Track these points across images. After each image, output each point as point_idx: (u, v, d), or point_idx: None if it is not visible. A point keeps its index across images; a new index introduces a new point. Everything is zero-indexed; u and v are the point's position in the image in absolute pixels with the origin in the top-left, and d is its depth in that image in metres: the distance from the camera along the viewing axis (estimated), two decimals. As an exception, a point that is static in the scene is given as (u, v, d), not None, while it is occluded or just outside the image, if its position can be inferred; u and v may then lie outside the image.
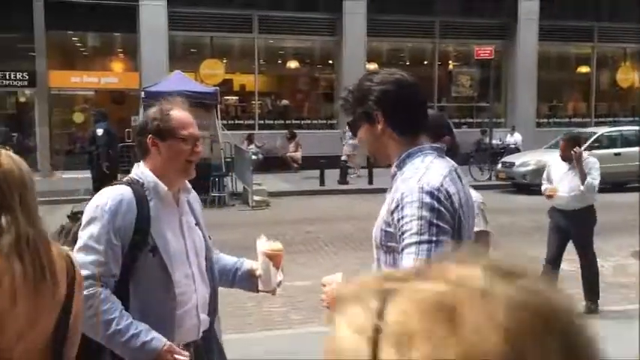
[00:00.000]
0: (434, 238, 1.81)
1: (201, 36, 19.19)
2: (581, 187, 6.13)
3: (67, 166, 17.79)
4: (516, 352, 0.49)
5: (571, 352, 0.52)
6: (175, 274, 2.26)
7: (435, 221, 1.81)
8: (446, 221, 1.83)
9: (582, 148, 6.25)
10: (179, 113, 2.32)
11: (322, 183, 15.42)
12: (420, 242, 1.81)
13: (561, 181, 6.40)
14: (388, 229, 1.94)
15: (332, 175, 15.59)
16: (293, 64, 20.52)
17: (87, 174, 11.56)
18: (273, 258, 2.45)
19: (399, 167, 2.01)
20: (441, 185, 1.87)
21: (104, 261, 2.15)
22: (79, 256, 2.04)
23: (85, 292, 1.90)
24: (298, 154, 18.10)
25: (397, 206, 1.87)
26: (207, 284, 2.42)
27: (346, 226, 10.60)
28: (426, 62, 21.43)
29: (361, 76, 2.12)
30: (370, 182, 15.60)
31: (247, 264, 2.60)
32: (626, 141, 15.45)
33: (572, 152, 6.16)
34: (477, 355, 0.49)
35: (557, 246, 6.39)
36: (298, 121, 19.91)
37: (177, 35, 18.62)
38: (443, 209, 1.83)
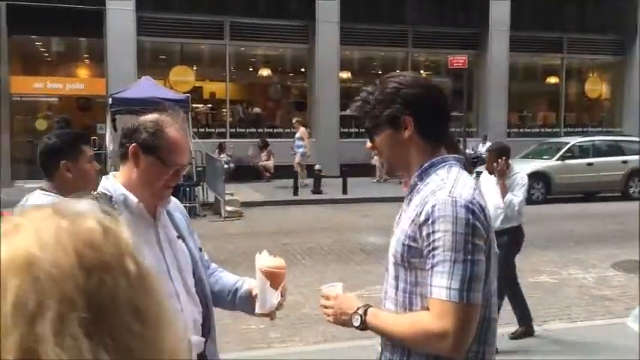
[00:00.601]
0: (469, 257, 1.67)
1: (170, 42, 18.80)
2: (501, 205, 5.48)
3: (29, 175, 17.15)
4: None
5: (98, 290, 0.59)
6: None
7: (470, 238, 1.67)
8: (481, 237, 1.70)
9: (508, 160, 5.57)
10: (175, 134, 2.07)
11: (296, 193, 15.15)
12: (454, 261, 1.66)
13: (486, 197, 5.88)
14: (412, 244, 1.76)
15: (305, 184, 15.35)
16: (265, 72, 20.25)
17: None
18: (272, 276, 2.16)
19: (421, 178, 1.85)
20: (474, 198, 1.74)
21: None
22: None
23: None
24: (270, 163, 17.80)
25: (427, 220, 1.71)
26: (197, 302, 2.16)
27: (323, 237, 10.33)
28: (398, 71, 21.27)
29: (381, 79, 1.93)
30: (344, 192, 15.39)
31: (247, 284, 2.31)
32: (598, 151, 15.61)
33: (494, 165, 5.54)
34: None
35: (501, 268, 5.94)
36: (270, 130, 19.63)
37: (146, 41, 18.19)
38: (478, 224, 1.70)
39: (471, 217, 1.68)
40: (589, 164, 14.97)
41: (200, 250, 2.30)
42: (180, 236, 2.21)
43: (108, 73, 17.33)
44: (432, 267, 1.69)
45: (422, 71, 21.21)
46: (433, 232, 1.69)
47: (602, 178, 14.90)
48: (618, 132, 21.12)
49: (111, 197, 2.04)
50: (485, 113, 20.94)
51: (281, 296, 2.17)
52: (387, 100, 1.83)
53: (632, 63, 22.16)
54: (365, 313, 1.83)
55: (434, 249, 1.68)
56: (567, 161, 15.03)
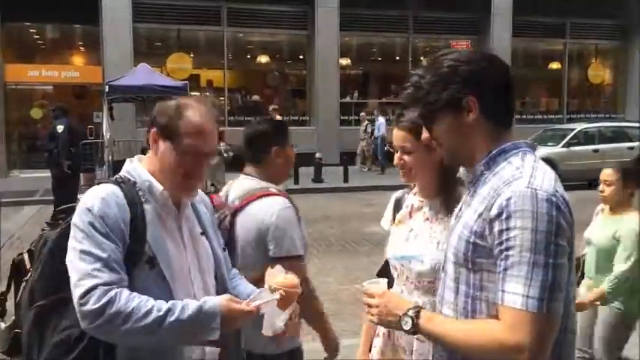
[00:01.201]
0: (551, 261, 1.43)
1: (167, 28, 18.44)
2: None
3: (25, 164, 17.01)
4: None
5: None
6: (176, 292, 1.81)
7: (553, 238, 1.44)
8: (565, 237, 1.47)
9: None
10: (197, 119, 1.85)
11: (296, 181, 14.89)
12: (533, 264, 1.43)
13: None
14: (479, 242, 1.52)
15: (306, 173, 15.10)
16: (263, 59, 19.91)
17: (46, 173, 10.80)
18: (282, 296, 1.91)
19: (488, 166, 1.60)
20: (556, 191, 1.49)
21: (111, 266, 1.71)
22: (77, 266, 1.70)
23: (98, 305, 1.64)
24: (270, 152, 17.49)
25: (499, 214, 1.47)
26: None
27: (327, 227, 10.10)
28: (399, 57, 21.12)
29: (430, 58, 1.69)
30: (345, 180, 15.16)
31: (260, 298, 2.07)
32: (603, 137, 15.36)
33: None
34: None
35: None
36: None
37: (142, 27, 17.83)
38: (562, 221, 1.46)
39: (554, 212, 1.45)
40: (595, 151, 14.71)
41: (224, 250, 2.08)
42: (204, 233, 2.01)
43: (104, 61, 17.00)
44: (505, 269, 1.45)
45: (422, 57, 20.93)
46: (507, 228, 1.45)
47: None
48: (620, 118, 20.88)
49: (134, 183, 1.85)
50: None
51: (289, 319, 1.92)
52: (443, 81, 1.59)
53: (635, 49, 21.89)
54: (417, 315, 1.59)
55: (508, 249, 1.45)
56: (573, 148, 14.78)
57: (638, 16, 21.18)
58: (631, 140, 15.31)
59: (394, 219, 2.46)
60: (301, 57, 20.09)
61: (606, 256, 3.81)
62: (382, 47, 21.28)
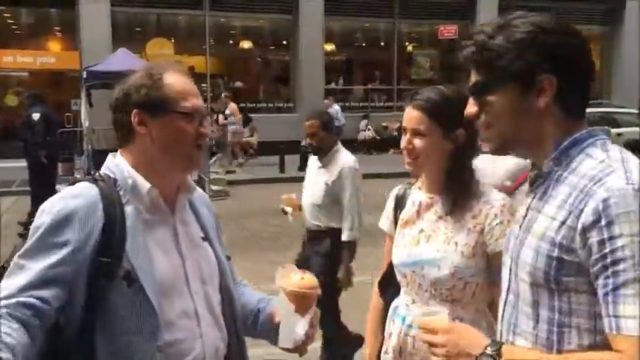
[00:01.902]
0: None
1: (146, 13, 17.90)
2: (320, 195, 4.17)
3: (1, 154, 16.42)
4: None
5: None
6: (166, 311, 1.48)
7: None
8: None
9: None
10: (176, 78, 1.58)
11: (282, 170, 14.57)
12: None
13: (307, 185, 4.42)
14: (566, 257, 1.22)
15: (291, 161, 14.78)
16: (246, 44, 19.45)
17: (22, 163, 10.36)
18: (300, 300, 1.63)
19: (559, 161, 1.30)
20: None
21: (33, 284, 1.37)
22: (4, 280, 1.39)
23: None
24: (254, 140, 17.13)
25: (597, 221, 1.19)
26: (222, 326, 1.66)
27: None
28: (383, 43, 20.81)
29: (504, 19, 1.34)
30: (332, 168, 14.86)
31: (272, 305, 1.78)
32: (592, 123, 15.02)
33: (312, 136, 4.26)
34: None
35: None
36: (253, 105, 18.90)
37: (121, 12, 17.25)
38: None
39: None
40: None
41: (228, 258, 1.76)
42: (207, 238, 1.69)
43: (81, 46, 16.44)
44: (615, 289, 1.16)
45: (407, 43, 20.66)
46: (611, 237, 1.17)
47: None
48: (607, 103, 20.81)
49: (115, 181, 1.55)
50: (474, 86, 20.44)
51: (311, 326, 1.63)
52: (518, 47, 1.28)
53: (621, 33, 21.80)
54: (499, 353, 1.29)
55: (615, 263, 1.16)
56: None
57: (625, 1, 21.10)
58: (620, 126, 15.21)
59: (395, 219, 2.14)
60: (285, 42, 19.68)
61: None
62: (367, 32, 20.93)
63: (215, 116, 15.66)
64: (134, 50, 15.45)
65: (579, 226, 1.20)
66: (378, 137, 18.59)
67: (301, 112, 18.52)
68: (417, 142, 1.95)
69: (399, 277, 2.07)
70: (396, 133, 17.99)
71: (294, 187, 14.19)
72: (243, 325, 1.76)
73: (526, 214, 1.36)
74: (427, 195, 2.05)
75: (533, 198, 1.35)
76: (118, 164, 1.57)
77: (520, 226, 1.37)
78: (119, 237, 1.46)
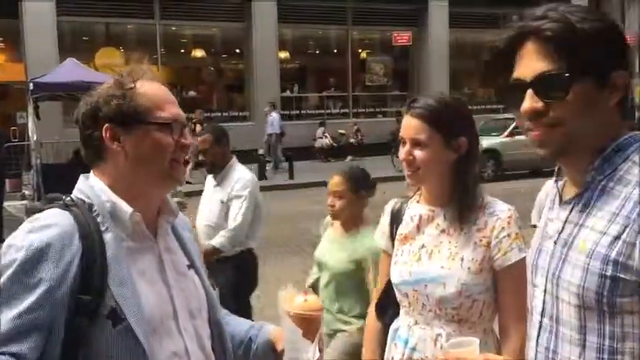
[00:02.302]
0: None
1: (94, 22, 17.40)
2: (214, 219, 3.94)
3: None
4: None
5: None
6: (156, 352, 1.32)
7: None
8: None
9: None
10: (150, 86, 1.42)
11: (240, 180, 14.34)
12: None
13: (202, 206, 4.21)
14: (622, 275, 1.09)
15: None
16: (199, 53, 19.14)
17: (-34, 181, 9.86)
18: (306, 323, 1.51)
19: (602, 170, 1.17)
20: None
21: (6, 337, 1.19)
22: None
23: None
24: (210, 150, 16.81)
25: None
26: None
27: (277, 228, 9.60)
28: (337, 50, 20.85)
29: (557, 7, 1.17)
30: (291, 177, 14.71)
31: (267, 332, 1.63)
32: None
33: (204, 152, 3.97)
34: None
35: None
36: (208, 114, 18.58)
37: (67, 21, 16.71)
38: None
39: None
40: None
41: (213, 287, 1.60)
42: (192, 266, 1.53)
43: (26, 57, 15.84)
44: None
45: (363, 49, 20.77)
46: None
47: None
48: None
49: (91, 206, 1.37)
50: (428, 91, 20.52)
51: (319, 351, 1.50)
52: (600, 38, 1.13)
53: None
54: None
55: None
56: (517, 137, 14.93)
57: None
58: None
59: (392, 235, 2.01)
60: (238, 50, 19.47)
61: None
62: (321, 40, 20.93)
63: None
64: (82, 60, 14.95)
65: (639, 240, 1.08)
66: (335, 144, 18.55)
67: (257, 121, 18.33)
68: (418, 153, 1.83)
69: (399, 297, 1.94)
70: (352, 140, 18.01)
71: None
72: (232, 357, 1.60)
73: (562, 228, 1.23)
74: (427, 207, 1.93)
75: (571, 210, 1.22)
76: (92, 186, 1.39)
77: (555, 242, 1.24)
78: (100, 270, 1.28)
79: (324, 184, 13.34)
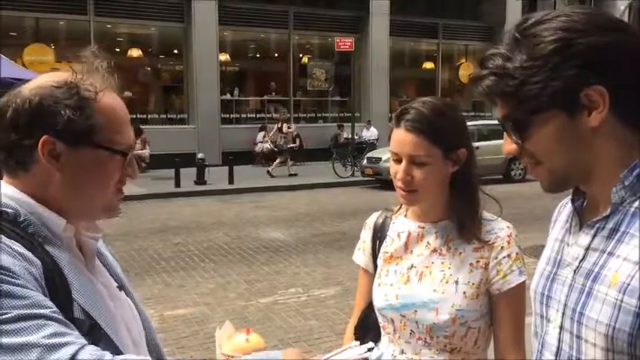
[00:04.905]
0: None
1: (22, 16, 16.51)
2: None
3: None
4: None
5: None
6: None
7: None
8: None
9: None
10: (112, 100, 1.19)
11: (178, 184, 13.89)
12: None
13: None
14: None
15: (187, 174, 14.13)
16: (135, 53, 18.48)
17: None
18: None
19: (633, 190, 1.02)
20: None
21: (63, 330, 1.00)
22: (23, 340, 0.95)
23: None
24: (146, 153, 16.23)
25: None
26: None
27: (219, 234, 9.31)
28: (278, 54, 20.66)
29: (520, 26, 1.05)
30: (231, 182, 14.37)
31: None
32: (481, 135, 15.91)
33: None
34: None
35: None
36: (144, 116, 17.98)
37: (-7, 14, 15.80)
38: None
39: None
40: (476, 148, 15.18)
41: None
42: (121, 286, 1.34)
43: (-54, 51, 14.83)
44: None
45: (305, 54, 20.62)
46: None
47: (487, 161, 15.19)
48: (488, 116, 21.89)
49: (15, 216, 1.13)
50: (368, 98, 20.75)
51: None
52: (548, 63, 0.99)
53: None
54: None
55: None
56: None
57: (504, 19, 22.37)
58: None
59: (374, 252, 1.80)
60: (177, 51, 18.95)
61: None
62: (262, 43, 20.68)
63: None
64: (10, 56, 14.13)
65: None
66: (276, 149, 18.32)
67: (196, 124, 17.88)
68: (417, 172, 1.61)
69: (382, 323, 1.73)
70: (292, 145, 17.82)
71: (192, 201, 13.61)
72: None
73: (584, 256, 1.08)
74: (416, 224, 1.73)
75: (594, 235, 1.08)
76: (12, 195, 1.14)
77: (575, 271, 1.09)
78: (61, 284, 1.08)
79: (264, 189, 13.26)
